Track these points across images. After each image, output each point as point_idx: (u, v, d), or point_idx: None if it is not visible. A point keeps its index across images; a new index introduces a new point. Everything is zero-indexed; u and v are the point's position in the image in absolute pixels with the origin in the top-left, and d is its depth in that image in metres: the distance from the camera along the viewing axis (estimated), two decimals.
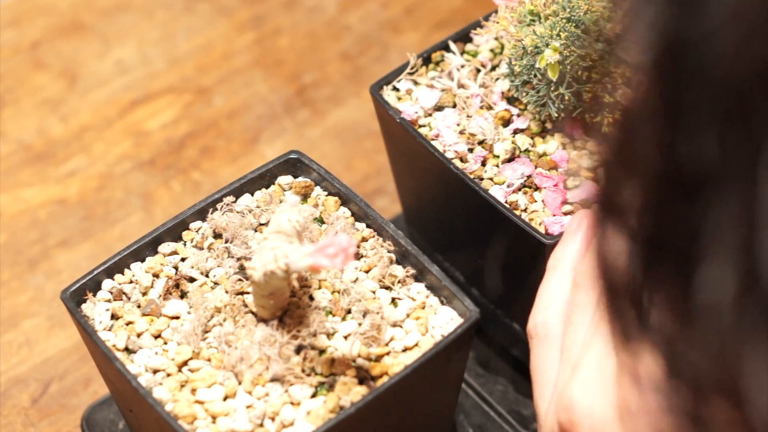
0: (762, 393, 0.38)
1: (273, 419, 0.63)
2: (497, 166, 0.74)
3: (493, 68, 0.78)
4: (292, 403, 0.64)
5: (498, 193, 0.72)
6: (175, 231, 0.71)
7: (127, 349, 0.66)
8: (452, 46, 0.79)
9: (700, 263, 0.39)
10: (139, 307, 0.68)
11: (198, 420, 0.63)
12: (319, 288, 0.68)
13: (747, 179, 0.37)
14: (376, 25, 1.05)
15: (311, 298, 0.68)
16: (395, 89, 0.77)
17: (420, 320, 0.67)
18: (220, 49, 1.03)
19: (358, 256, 0.70)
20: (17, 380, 0.85)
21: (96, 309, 0.68)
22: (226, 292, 0.68)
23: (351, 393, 0.64)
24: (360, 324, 0.67)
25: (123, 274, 0.69)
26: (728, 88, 0.37)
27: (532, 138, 0.74)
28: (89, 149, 0.97)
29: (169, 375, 0.65)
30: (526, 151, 0.74)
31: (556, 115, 0.72)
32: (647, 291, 0.41)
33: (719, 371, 0.39)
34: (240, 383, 0.64)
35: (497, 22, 0.73)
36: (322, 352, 0.65)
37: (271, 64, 1.02)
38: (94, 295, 0.68)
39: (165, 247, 0.70)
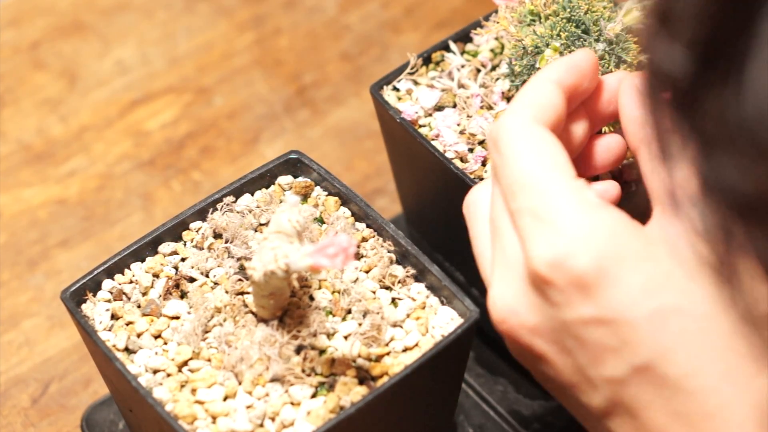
0: None
1: (273, 419, 0.63)
2: None
3: (494, 68, 0.78)
4: (292, 403, 0.64)
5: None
6: (175, 231, 0.71)
7: (127, 349, 0.66)
8: (452, 46, 0.79)
9: (753, 70, 0.39)
10: (139, 307, 0.68)
11: (198, 420, 0.63)
12: (319, 288, 0.68)
13: None
14: (376, 25, 1.05)
15: (311, 298, 0.68)
16: (395, 89, 0.77)
17: (420, 320, 0.67)
18: (220, 49, 1.03)
19: (358, 256, 0.70)
20: (17, 380, 0.85)
21: (96, 309, 0.68)
22: (226, 292, 0.68)
23: (351, 393, 0.64)
24: (360, 324, 0.67)
25: (123, 274, 0.69)
26: None
27: None
28: (89, 149, 0.97)
29: (169, 375, 0.65)
30: None
31: None
32: (696, 99, 0.41)
33: (756, 185, 0.40)
34: (240, 383, 0.64)
35: (497, 22, 0.73)
36: (322, 352, 0.65)
37: (271, 64, 1.02)
38: (94, 295, 0.68)
39: (165, 247, 0.70)
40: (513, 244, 0.56)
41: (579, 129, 0.62)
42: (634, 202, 0.61)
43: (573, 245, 0.53)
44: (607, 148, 0.64)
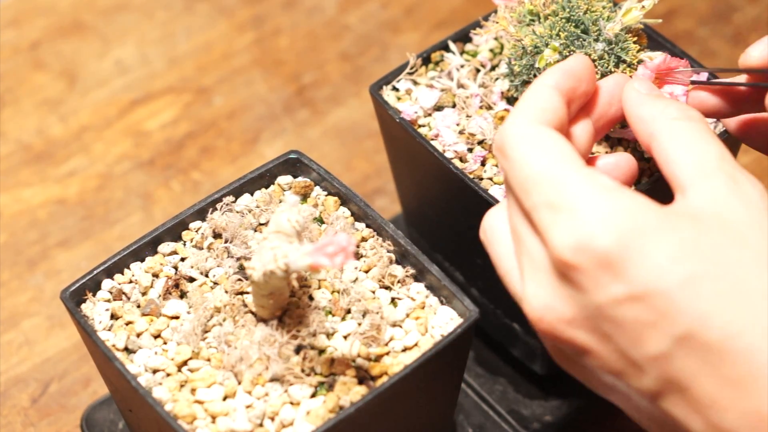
0: None
1: (273, 419, 0.63)
2: (497, 165, 0.74)
3: (493, 68, 0.78)
4: (291, 403, 0.64)
5: (498, 192, 0.72)
6: (174, 231, 0.71)
7: (126, 349, 0.66)
8: (452, 46, 0.79)
9: None
10: (138, 307, 0.68)
11: (198, 420, 0.63)
12: (319, 288, 0.68)
13: None
14: (376, 25, 1.05)
15: (311, 297, 0.68)
16: (395, 89, 0.77)
17: (420, 320, 0.67)
18: (220, 49, 1.03)
19: (357, 256, 0.70)
20: (17, 380, 0.85)
21: (96, 309, 0.68)
22: (226, 292, 0.68)
23: (351, 393, 0.64)
24: (360, 324, 0.67)
25: (123, 274, 0.69)
26: None
27: None
28: (89, 149, 0.97)
29: (168, 375, 0.65)
30: None
31: None
32: None
33: None
34: (240, 383, 0.64)
35: (497, 22, 0.73)
36: (321, 352, 0.66)
37: (271, 64, 1.02)
38: (94, 295, 0.68)
39: (165, 247, 0.70)
40: (534, 243, 0.57)
41: (584, 135, 0.62)
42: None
43: (593, 227, 0.53)
44: (615, 167, 0.64)
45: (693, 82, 0.68)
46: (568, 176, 0.55)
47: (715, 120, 0.75)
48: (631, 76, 0.67)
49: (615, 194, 0.54)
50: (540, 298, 0.56)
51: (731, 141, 0.74)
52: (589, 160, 0.64)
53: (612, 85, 0.63)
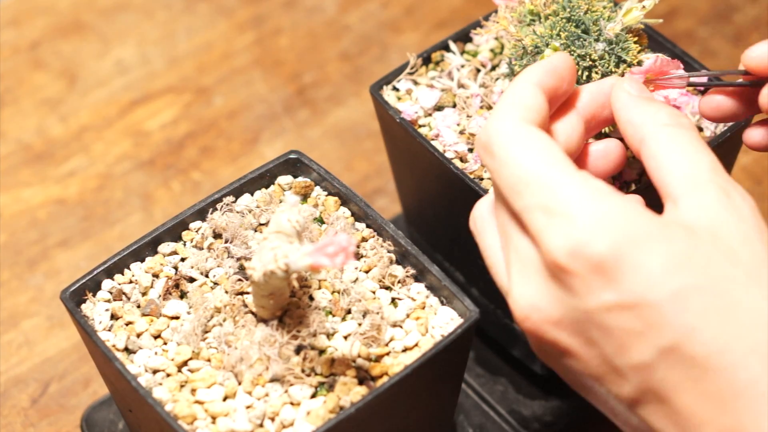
0: None
1: (273, 419, 0.63)
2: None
3: (493, 68, 0.78)
4: (291, 404, 0.64)
5: None
6: (174, 231, 0.71)
7: (126, 349, 0.66)
8: (452, 46, 0.79)
9: None
10: (138, 307, 0.68)
11: (198, 420, 0.63)
12: (319, 288, 0.68)
13: None
14: (376, 25, 1.05)
15: (311, 298, 0.68)
16: (395, 89, 0.77)
17: (420, 320, 0.67)
18: (220, 49, 1.03)
19: (358, 256, 0.70)
20: (17, 380, 0.85)
21: (96, 309, 0.68)
22: (226, 292, 0.68)
23: (351, 393, 0.64)
24: (360, 324, 0.67)
25: (123, 274, 0.69)
26: None
27: None
28: (89, 149, 0.97)
29: (168, 375, 0.65)
30: None
31: None
32: None
33: None
34: (240, 383, 0.64)
35: (497, 22, 0.73)
36: (322, 352, 0.65)
37: (271, 64, 1.02)
38: (94, 295, 0.68)
39: (165, 247, 0.70)
40: (524, 243, 0.57)
41: (574, 135, 0.62)
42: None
43: (589, 232, 0.54)
44: (605, 153, 0.64)
45: (690, 84, 0.68)
46: (563, 179, 0.55)
47: (715, 125, 0.74)
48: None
49: (610, 199, 0.55)
50: (527, 297, 0.56)
51: (732, 142, 0.74)
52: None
53: (607, 87, 0.63)
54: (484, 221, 0.61)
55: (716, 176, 0.56)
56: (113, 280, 0.69)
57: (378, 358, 0.66)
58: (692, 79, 0.68)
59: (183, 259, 0.70)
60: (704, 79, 0.72)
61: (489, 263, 0.60)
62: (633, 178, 0.72)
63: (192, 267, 0.69)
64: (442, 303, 0.68)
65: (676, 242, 0.54)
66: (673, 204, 0.56)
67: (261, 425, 0.63)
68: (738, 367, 0.52)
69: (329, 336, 0.66)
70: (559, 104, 0.63)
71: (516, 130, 0.57)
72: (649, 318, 0.53)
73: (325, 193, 0.73)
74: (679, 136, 0.58)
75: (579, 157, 0.64)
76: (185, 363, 0.65)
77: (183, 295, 0.69)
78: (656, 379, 0.53)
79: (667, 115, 0.59)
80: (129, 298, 0.68)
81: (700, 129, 0.75)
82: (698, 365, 0.52)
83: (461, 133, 0.75)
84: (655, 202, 0.58)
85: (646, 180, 0.72)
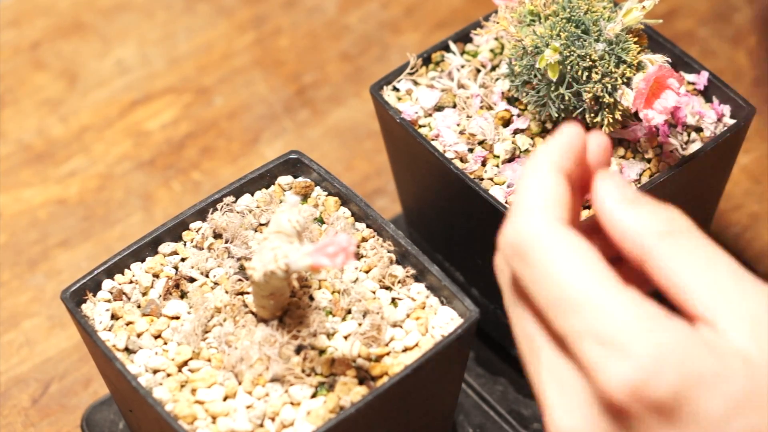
0: None
1: (273, 419, 0.63)
2: (497, 166, 0.74)
3: (493, 68, 0.78)
4: (292, 403, 0.64)
5: (498, 193, 0.72)
6: (175, 231, 0.71)
7: (127, 349, 0.66)
8: (452, 46, 0.79)
9: None
10: (139, 307, 0.68)
11: (198, 420, 0.63)
12: (319, 288, 0.68)
13: None
14: (376, 25, 1.05)
15: (311, 298, 0.68)
16: (395, 89, 0.77)
17: (420, 320, 0.67)
18: (220, 49, 1.03)
19: (358, 256, 0.70)
20: (17, 380, 0.85)
21: (96, 309, 0.68)
22: (226, 292, 0.68)
23: (351, 393, 0.64)
24: (360, 324, 0.67)
25: (123, 274, 0.69)
26: None
27: (532, 138, 0.75)
28: (89, 149, 0.97)
29: (169, 375, 0.65)
30: (527, 151, 0.74)
31: (556, 115, 0.72)
32: None
33: None
34: (240, 383, 0.64)
35: (497, 22, 0.73)
36: (322, 352, 0.66)
37: (271, 64, 1.02)
38: (94, 296, 0.68)
39: (165, 247, 0.70)
40: (565, 366, 0.52)
41: (576, 208, 0.56)
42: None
43: (651, 371, 0.49)
44: (596, 144, 0.57)
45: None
46: (616, 303, 0.50)
47: (715, 125, 0.74)
48: (631, 80, 0.67)
49: (667, 328, 0.50)
50: (573, 426, 0.52)
51: (732, 142, 0.74)
52: None
53: (594, 147, 0.56)
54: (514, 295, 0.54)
55: (743, 288, 0.51)
56: (113, 280, 0.69)
57: (378, 358, 0.66)
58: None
59: (183, 259, 0.70)
60: (705, 78, 0.72)
61: (522, 350, 0.54)
62: (633, 178, 0.72)
63: (192, 267, 0.69)
64: (442, 303, 0.68)
65: (737, 380, 0.50)
66: (710, 327, 0.51)
67: (261, 425, 0.63)
68: None
69: (329, 336, 0.66)
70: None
71: (555, 237, 0.51)
72: None
73: (326, 193, 0.73)
74: (684, 248, 0.52)
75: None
76: (185, 363, 0.66)
77: (183, 295, 0.69)
78: None
79: (660, 222, 0.53)
80: (129, 298, 0.69)
81: (700, 129, 0.75)
82: None
83: (461, 133, 0.75)
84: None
85: (647, 180, 0.72)
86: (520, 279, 0.52)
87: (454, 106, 0.76)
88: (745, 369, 0.50)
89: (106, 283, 0.69)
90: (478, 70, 0.78)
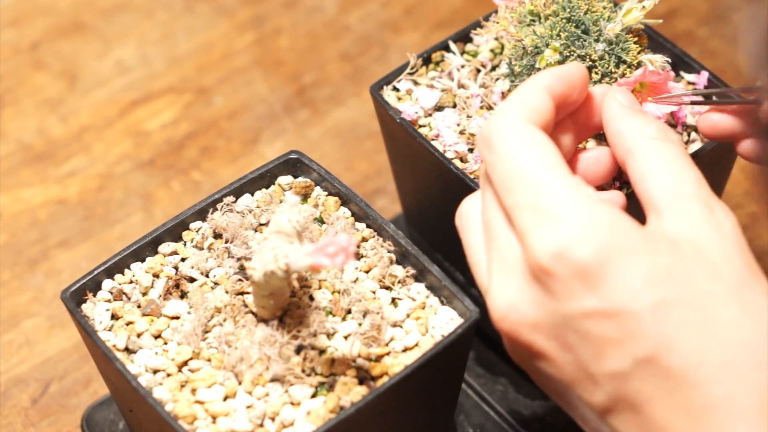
0: None
1: (273, 419, 0.63)
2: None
3: (493, 68, 0.78)
4: (292, 403, 0.64)
5: None
6: (175, 231, 0.71)
7: (127, 349, 0.66)
8: (452, 46, 0.79)
9: None
10: (139, 307, 0.68)
11: (198, 420, 0.63)
12: (319, 288, 0.68)
13: None
14: (376, 25, 1.05)
15: (311, 298, 0.68)
16: (395, 89, 0.77)
17: (420, 320, 0.67)
18: (220, 49, 1.03)
19: (358, 256, 0.70)
20: (17, 380, 0.85)
21: (96, 309, 0.68)
22: (226, 292, 0.68)
23: (351, 393, 0.64)
24: (360, 324, 0.67)
25: (123, 274, 0.69)
26: None
27: None
28: (89, 149, 0.97)
29: (169, 375, 0.65)
30: None
31: None
32: None
33: None
34: (240, 383, 0.64)
35: (497, 22, 0.73)
36: (322, 352, 0.66)
37: (271, 64, 1.02)
38: (94, 296, 0.68)
39: (165, 247, 0.70)
40: (509, 241, 0.57)
41: (565, 140, 0.63)
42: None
43: (575, 236, 0.54)
44: (596, 161, 0.64)
45: (692, 102, 0.68)
46: (556, 182, 0.56)
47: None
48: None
49: (599, 207, 0.55)
50: (506, 297, 0.56)
51: (731, 143, 0.74)
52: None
53: (600, 95, 0.63)
54: (470, 219, 0.61)
55: (700, 191, 0.57)
56: (113, 280, 0.69)
57: (378, 358, 0.66)
58: (692, 98, 0.69)
59: (183, 259, 0.70)
60: (705, 77, 0.72)
61: (471, 261, 0.61)
62: None
63: (192, 267, 0.69)
64: (442, 303, 0.68)
65: (660, 254, 0.54)
66: (656, 216, 0.57)
67: (261, 425, 0.63)
68: (713, 382, 0.52)
69: (329, 336, 0.66)
70: (568, 112, 0.63)
71: (517, 128, 0.58)
72: (628, 327, 0.53)
73: (326, 193, 0.73)
74: (666, 150, 0.58)
75: (570, 164, 0.64)
76: (185, 363, 0.66)
77: (183, 295, 0.69)
78: (630, 388, 0.54)
79: (656, 129, 0.59)
80: (129, 298, 0.68)
81: None
82: (673, 378, 0.53)
83: (461, 133, 0.75)
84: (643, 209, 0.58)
85: None
86: (485, 165, 0.58)
87: (454, 106, 0.76)
88: (670, 249, 0.54)
89: (106, 283, 0.69)
90: (478, 70, 0.78)
